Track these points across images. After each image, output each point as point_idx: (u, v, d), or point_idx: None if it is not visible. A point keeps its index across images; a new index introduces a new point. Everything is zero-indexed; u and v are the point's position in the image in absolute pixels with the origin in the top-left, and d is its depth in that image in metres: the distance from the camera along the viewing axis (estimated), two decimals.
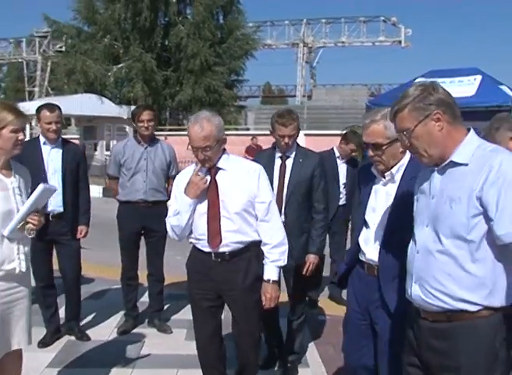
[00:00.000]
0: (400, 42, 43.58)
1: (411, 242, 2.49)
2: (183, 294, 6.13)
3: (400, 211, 2.86)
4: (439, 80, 12.90)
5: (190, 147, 3.32)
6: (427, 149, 2.27)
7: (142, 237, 5.26)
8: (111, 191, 5.54)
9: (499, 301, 2.23)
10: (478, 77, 11.37)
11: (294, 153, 4.25)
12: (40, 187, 3.15)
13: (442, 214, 2.27)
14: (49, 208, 4.52)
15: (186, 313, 5.48)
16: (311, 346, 4.93)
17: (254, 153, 18.62)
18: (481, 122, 10.98)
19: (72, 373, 4.27)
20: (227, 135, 3.45)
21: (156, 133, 5.34)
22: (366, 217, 3.07)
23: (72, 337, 4.94)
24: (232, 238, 3.38)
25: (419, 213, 2.43)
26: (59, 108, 4.68)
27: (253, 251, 3.45)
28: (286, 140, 4.12)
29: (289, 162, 4.23)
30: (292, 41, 45.66)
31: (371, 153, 2.93)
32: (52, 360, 4.48)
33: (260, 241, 3.46)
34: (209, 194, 3.37)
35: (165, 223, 5.17)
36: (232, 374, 3.76)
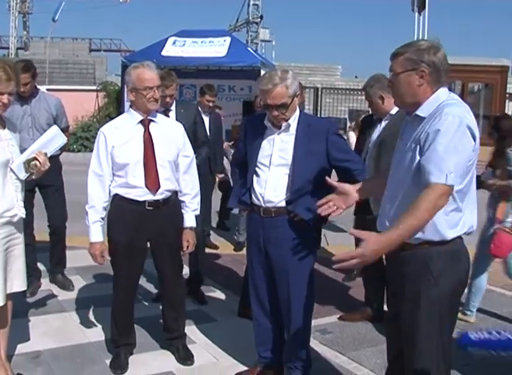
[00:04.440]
0: None
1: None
2: None
3: (302, 155, 3.21)
4: (191, 40, 13.96)
5: (138, 90, 3.45)
6: (402, 95, 2.48)
7: None
8: None
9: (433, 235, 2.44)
10: (228, 39, 12.44)
11: (174, 105, 4.71)
12: (54, 128, 3.39)
13: (402, 159, 2.49)
14: None
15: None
16: None
17: None
18: (235, 80, 12.28)
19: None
20: None
21: None
22: (260, 163, 3.31)
23: None
24: (166, 186, 3.57)
25: (394, 155, 2.63)
26: None
27: (176, 199, 3.72)
28: (168, 99, 4.55)
29: (172, 115, 4.63)
30: None
31: (275, 113, 3.15)
32: None
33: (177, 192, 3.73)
34: (145, 143, 3.53)
35: (60, 177, 5.18)
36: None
